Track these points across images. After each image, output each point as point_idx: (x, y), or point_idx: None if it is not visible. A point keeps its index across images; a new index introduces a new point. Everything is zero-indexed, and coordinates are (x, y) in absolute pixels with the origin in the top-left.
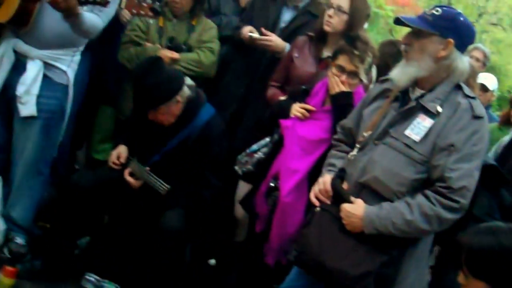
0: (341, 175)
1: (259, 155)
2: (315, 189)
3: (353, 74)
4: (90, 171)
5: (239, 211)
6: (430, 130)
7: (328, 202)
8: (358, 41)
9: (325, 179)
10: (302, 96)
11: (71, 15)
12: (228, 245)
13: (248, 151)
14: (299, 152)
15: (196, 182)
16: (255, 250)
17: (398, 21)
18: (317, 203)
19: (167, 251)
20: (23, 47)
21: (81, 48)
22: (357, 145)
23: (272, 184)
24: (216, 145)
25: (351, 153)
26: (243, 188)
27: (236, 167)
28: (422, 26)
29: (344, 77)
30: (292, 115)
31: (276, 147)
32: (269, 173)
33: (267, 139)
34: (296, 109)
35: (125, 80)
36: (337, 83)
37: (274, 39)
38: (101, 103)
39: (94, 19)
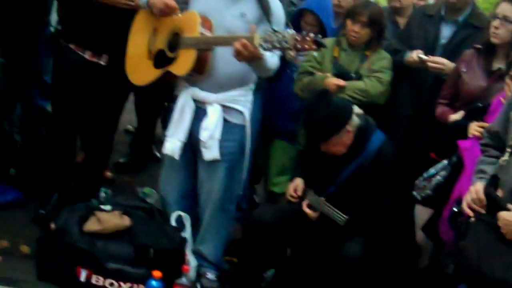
0: (494, 182)
1: (437, 179)
2: (467, 198)
3: None
4: (269, 205)
5: (421, 237)
6: None
7: (483, 211)
8: None
9: (477, 188)
10: (479, 114)
11: (254, 61)
12: (412, 272)
13: (425, 175)
14: None
15: (373, 210)
16: (442, 277)
17: None
18: (471, 213)
19: (350, 280)
20: (201, 94)
21: (253, 86)
22: (508, 149)
23: (455, 209)
24: (390, 171)
25: (503, 158)
26: (422, 213)
27: (415, 192)
28: None
29: None
30: (470, 135)
31: (456, 170)
32: (451, 198)
33: (445, 162)
34: (474, 128)
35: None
36: None
37: (446, 63)
38: (274, 137)
39: (273, 57)
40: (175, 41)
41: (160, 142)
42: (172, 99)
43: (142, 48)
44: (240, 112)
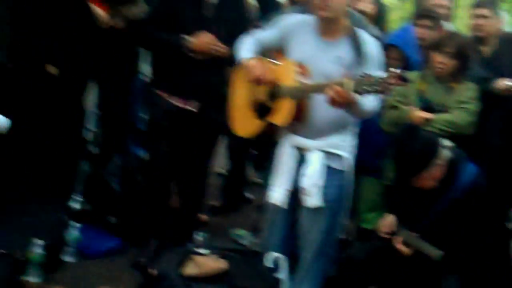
0: None
1: None
2: None
3: None
4: (362, 242)
5: None
6: None
7: None
8: None
9: None
10: None
11: (349, 106)
12: None
13: None
14: None
15: (468, 244)
16: None
17: None
18: None
19: None
20: (302, 141)
21: (355, 129)
22: None
23: None
24: (483, 203)
25: None
26: None
27: (510, 224)
28: None
29: None
30: None
31: None
32: None
33: None
34: None
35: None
36: None
37: None
38: (362, 173)
39: (372, 100)
40: (275, 91)
41: (251, 184)
42: (266, 143)
43: (245, 99)
44: (342, 157)
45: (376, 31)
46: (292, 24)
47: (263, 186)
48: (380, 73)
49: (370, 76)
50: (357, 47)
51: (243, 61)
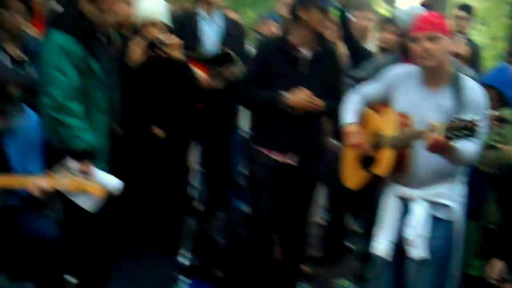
0: None
1: None
2: None
3: None
4: None
5: None
6: None
7: None
8: None
9: None
10: None
11: (445, 152)
12: None
13: None
14: None
15: None
16: None
17: None
18: None
19: None
20: (405, 191)
21: (462, 178)
22: None
23: None
24: None
25: None
26: None
27: None
28: None
29: None
30: None
31: None
32: None
33: None
34: None
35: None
36: None
37: None
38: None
39: (470, 146)
40: (377, 142)
41: (351, 233)
42: (365, 192)
43: (353, 151)
44: (449, 207)
45: (471, 72)
46: (396, 75)
47: (362, 235)
48: (471, 117)
49: (460, 120)
50: (459, 93)
51: (344, 127)
